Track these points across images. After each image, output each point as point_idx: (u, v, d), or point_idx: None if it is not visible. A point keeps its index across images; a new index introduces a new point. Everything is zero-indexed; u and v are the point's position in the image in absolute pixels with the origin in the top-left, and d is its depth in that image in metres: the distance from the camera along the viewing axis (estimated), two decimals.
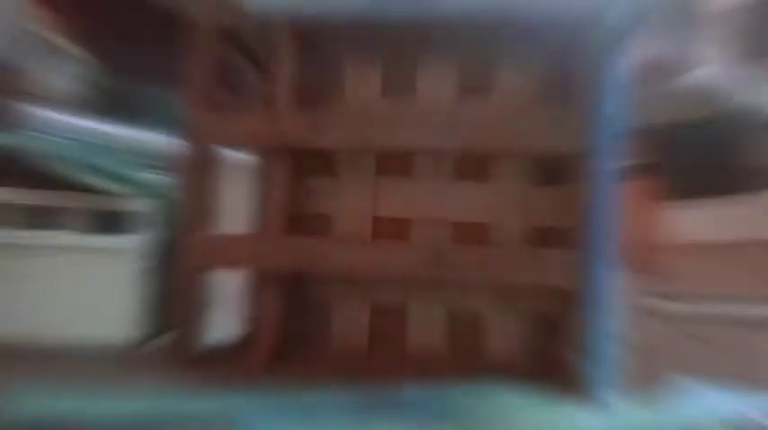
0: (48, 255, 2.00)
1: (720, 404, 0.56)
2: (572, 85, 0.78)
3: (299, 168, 0.85)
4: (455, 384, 0.67)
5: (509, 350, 0.80)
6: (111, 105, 2.90)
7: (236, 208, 1.04)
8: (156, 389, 0.70)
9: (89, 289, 2.01)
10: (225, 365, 0.81)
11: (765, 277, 0.95)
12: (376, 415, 0.53)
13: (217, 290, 1.10)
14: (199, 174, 0.82)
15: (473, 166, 0.83)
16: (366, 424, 0.49)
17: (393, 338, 0.83)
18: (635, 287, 2.75)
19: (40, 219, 2.01)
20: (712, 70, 0.90)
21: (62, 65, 2.64)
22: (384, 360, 0.81)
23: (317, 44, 0.86)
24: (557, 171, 0.80)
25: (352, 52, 0.87)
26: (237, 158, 1.31)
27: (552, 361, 0.76)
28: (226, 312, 1.15)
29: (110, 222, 2.15)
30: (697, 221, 2.37)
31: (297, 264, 0.80)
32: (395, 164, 0.84)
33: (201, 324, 0.83)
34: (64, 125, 2.47)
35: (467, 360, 0.81)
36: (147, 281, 2.05)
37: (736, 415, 0.39)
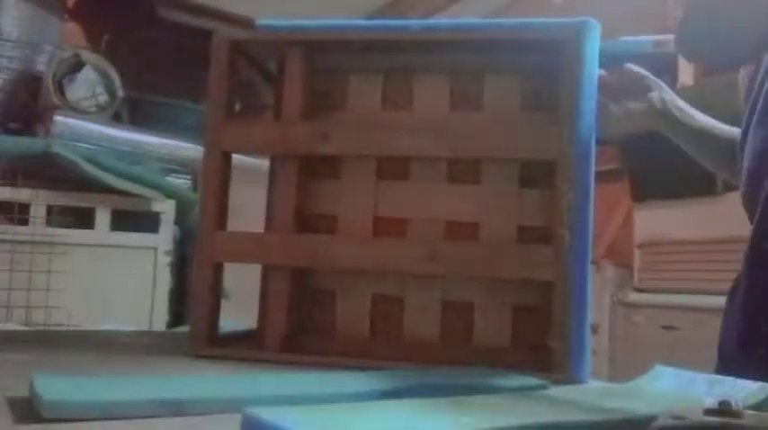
0: (79, 251, 2.00)
1: (698, 388, 0.55)
2: (555, 96, 0.78)
3: (307, 173, 0.85)
4: (448, 366, 0.67)
5: (497, 337, 0.80)
6: (138, 115, 2.90)
7: (250, 208, 1.04)
8: (177, 374, 0.69)
9: (116, 282, 2.01)
10: (240, 348, 0.81)
11: (728, 271, 0.95)
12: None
13: (232, 283, 1.10)
14: (217, 177, 0.82)
15: (465, 171, 0.83)
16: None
17: (392, 325, 0.83)
18: (611, 280, 2.74)
19: (73, 218, 2.01)
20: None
21: (93, 78, 2.63)
22: (383, 344, 0.81)
23: (322, 60, 0.86)
24: (541, 174, 0.79)
25: (354, 68, 0.87)
26: (251, 163, 1.30)
27: (536, 347, 0.76)
28: (241, 303, 1.15)
29: (136, 222, 2.15)
30: (667, 221, 2.38)
31: (305, 259, 0.80)
32: (394, 168, 0.84)
33: (218, 313, 0.83)
34: (94, 133, 2.47)
35: (459, 345, 0.81)
36: (170, 274, 2.05)
37: (715, 399, 0.39)
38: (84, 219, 1.95)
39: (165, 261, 2.01)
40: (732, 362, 0.89)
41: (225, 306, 0.85)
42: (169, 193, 2.07)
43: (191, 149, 2.50)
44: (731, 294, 0.94)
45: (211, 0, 3.13)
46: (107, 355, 0.78)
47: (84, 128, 2.36)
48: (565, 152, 0.75)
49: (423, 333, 0.82)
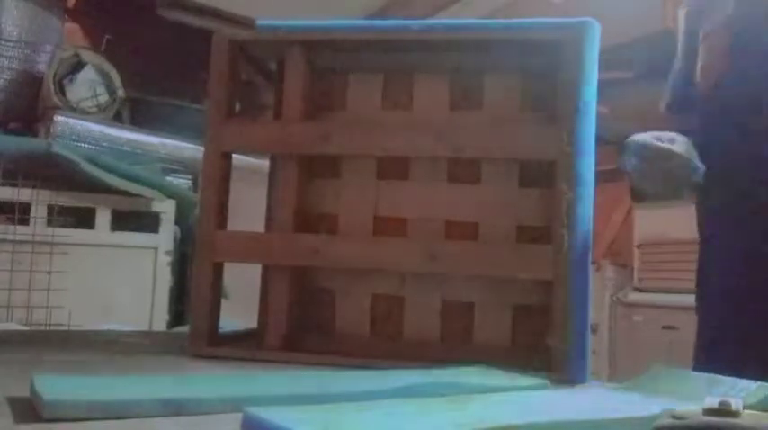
0: (80, 251, 2.00)
1: (698, 388, 0.55)
2: (555, 96, 0.78)
3: (307, 172, 0.85)
4: (448, 366, 0.67)
5: (497, 336, 0.80)
6: (139, 115, 2.90)
7: (250, 208, 1.04)
8: (177, 373, 0.69)
9: (117, 282, 2.01)
10: (240, 348, 0.81)
11: None
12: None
13: (232, 282, 1.10)
14: (217, 177, 0.82)
15: (464, 171, 0.83)
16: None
17: (392, 325, 0.83)
18: (611, 280, 2.74)
19: (73, 218, 2.01)
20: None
21: (93, 78, 2.63)
22: (383, 344, 0.81)
23: (323, 60, 0.86)
24: (541, 174, 0.79)
25: (354, 68, 0.87)
26: (251, 163, 1.30)
27: (536, 347, 0.76)
28: (241, 303, 1.15)
29: (136, 222, 2.15)
30: (667, 221, 2.37)
31: (305, 259, 0.80)
32: (394, 168, 0.84)
33: (218, 313, 0.83)
34: (95, 133, 2.46)
35: (458, 345, 0.81)
36: (171, 274, 2.05)
37: (715, 399, 0.39)
38: (84, 219, 1.95)
39: (165, 261, 2.00)
40: (727, 359, 0.90)
41: (225, 305, 0.85)
42: (169, 193, 2.07)
43: (191, 149, 2.50)
44: (707, 293, 0.97)
45: (212, 0, 3.13)
46: (107, 355, 0.78)
47: (85, 128, 2.36)
48: (565, 152, 0.75)
49: (423, 333, 0.82)
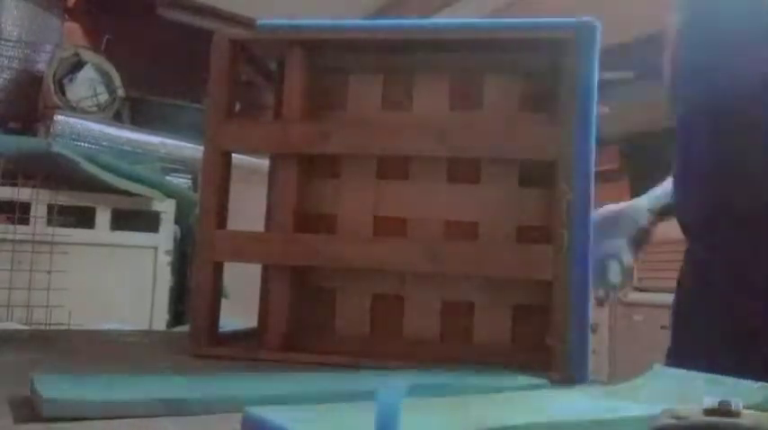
0: (80, 250, 2.00)
1: (698, 388, 0.55)
2: (556, 96, 0.78)
3: (307, 172, 0.85)
4: (448, 366, 0.67)
5: (497, 336, 0.80)
6: (139, 114, 2.90)
7: (250, 208, 1.04)
8: (176, 373, 0.69)
9: (117, 281, 2.01)
10: (240, 348, 0.81)
11: None
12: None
13: (232, 282, 1.10)
14: (217, 177, 0.82)
15: (465, 170, 0.83)
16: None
17: (392, 324, 0.83)
18: None
19: (73, 218, 2.01)
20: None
21: (93, 78, 2.63)
22: (383, 343, 0.81)
23: (323, 60, 0.86)
24: (541, 174, 0.79)
25: (354, 68, 0.87)
26: (251, 163, 1.30)
27: (536, 347, 0.76)
28: (241, 302, 1.15)
29: (136, 221, 2.15)
30: (665, 221, 2.37)
31: (305, 258, 0.80)
32: (394, 168, 0.84)
33: (218, 312, 0.83)
34: (94, 133, 2.47)
35: (458, 345, 0.81)
36: (171, 273, 2.05)
37: (715, 399, 0.39)
38: (84, 218, 1.95)
39: (165, 260, 2.00)
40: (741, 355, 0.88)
41: (225, 305, 0.85)
42: (169, 193, 2.07)
43: (191, 149, 2.50)
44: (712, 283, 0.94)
45: (211, 0, 3.14)
46: (107, 354, 0.78)
47: (85, 127, 2.36)
48: (565, 152, 0.75)
49: (423, 332, 0.82)
